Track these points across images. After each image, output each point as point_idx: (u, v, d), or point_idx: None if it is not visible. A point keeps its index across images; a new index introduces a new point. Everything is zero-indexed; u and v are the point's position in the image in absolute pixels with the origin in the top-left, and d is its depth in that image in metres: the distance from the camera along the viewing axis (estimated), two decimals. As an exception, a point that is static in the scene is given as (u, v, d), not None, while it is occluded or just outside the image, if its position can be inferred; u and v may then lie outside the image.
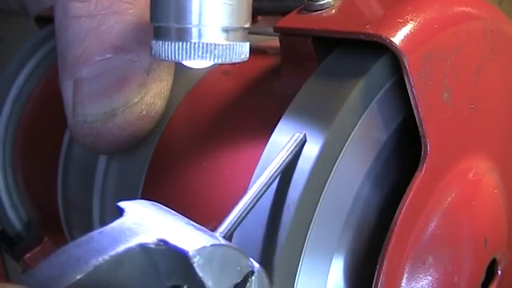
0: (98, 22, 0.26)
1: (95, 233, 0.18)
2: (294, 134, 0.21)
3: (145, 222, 0.18)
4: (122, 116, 0.26)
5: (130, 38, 0.26)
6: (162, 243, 0.17)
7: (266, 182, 0.21)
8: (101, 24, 0.26)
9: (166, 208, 0.20)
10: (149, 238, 0.18)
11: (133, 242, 0.17)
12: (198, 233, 0.18)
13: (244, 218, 0.20)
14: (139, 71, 0.26)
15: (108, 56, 0.26)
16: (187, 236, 0.18)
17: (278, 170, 0.21)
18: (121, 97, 0.26)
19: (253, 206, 0.20)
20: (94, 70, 0.26)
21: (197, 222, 0.19)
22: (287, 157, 0.21)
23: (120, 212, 0.19)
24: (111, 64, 0.26)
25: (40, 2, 0.46)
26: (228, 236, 0.20)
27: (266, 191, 0.21)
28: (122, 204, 0.19)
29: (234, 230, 0.20)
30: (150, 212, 0.19)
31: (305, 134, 0.21)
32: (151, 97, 0.26)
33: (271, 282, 0.21)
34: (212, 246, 0.17)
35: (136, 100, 0.26)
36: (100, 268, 0.16)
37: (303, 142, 0.21)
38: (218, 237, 0.19)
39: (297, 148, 0.21)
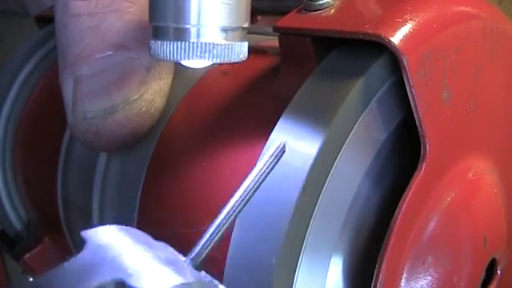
0: (99, 20, 0.26)
1: (52, 272, 0.16)
2: (272, 145, 0.21)
3: (106, 257, 0.17)
4: (121, 113, 0.26)
5: (131, 36, 0.26)
6: (120, 284, 0.16)
7: (243, 198, 0.20)
8: (101, 22, 0.26)
9: (136, 233, 0.19)
10: (108, 276, 0.16)
11: (91, 283, 0.16)
12: (163, 269, 0.17)
13: (218, 239, 0.19)
14: (139, 68, 0.26)
15: (108, 53, 0.26)
16: (150, 274, 0.16)
17: (256, 185, 0.20)
18: (121, 94, 0.26)
19: (228, 226, 0.19)
20: (94, 68, 0.26)
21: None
22: (264, 171, 0.20)
23: (83, 242, 0.18)
24: (111, 61, 0.26)
25: (40, 2, 0.47)
26: (201, 261, 0.19)
27: (242, 208, 0.20)
28: (85, 234, 0.18)
29: (208, 253, 0.19)
30: (114, 243, 0.18)
31: (284, 144, 0.21)
32: (151, 94, 0.27)
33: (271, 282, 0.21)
34: (175, 287, 0.16)
35: (136, 97, 0.26)
36: None
37: (282, 152, 0.21)
38: (186, 268, 0.18)
39: (275, 160, 0.21)
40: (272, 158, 0.20)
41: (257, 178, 0.20)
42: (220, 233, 0.19)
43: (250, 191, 0.20)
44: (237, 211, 0.19)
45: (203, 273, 0.18)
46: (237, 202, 0.20)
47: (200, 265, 0.19)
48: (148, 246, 0.18)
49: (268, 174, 0.20)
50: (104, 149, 0.29)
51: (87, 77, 0.26)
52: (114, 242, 0.18)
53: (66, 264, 0.17)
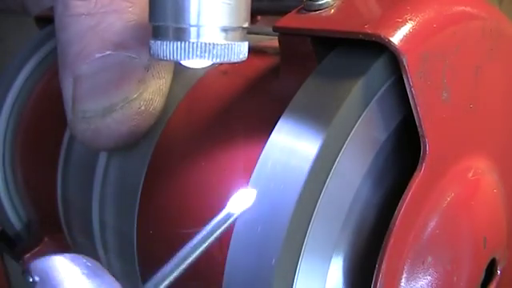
0: (98, 19, 0.26)
1: None
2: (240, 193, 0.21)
3: None
4: (120, 111, 0.26)
5: (130, 36, 0.26)
6: None
7: (196, 245, 0.20)
8: (100, 22, 0.26)
9: (82, 263, 0.19)
10: None
11: None
12: None
13: (173, 278, 0.19)
14: (138, 68, 0.26)
15: (108, 53, 0.26)
16: None
17: (212, 236, 0.20)
18: (120, 92, 0.26)
19: (182, 269, 0.19)
20: (93, 67, 0.26)
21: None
22: (223, 223, 0.20)
23: (28, 275, 0.18)
24: (111, 60, 0.26)
25: (40, 2, 0.47)
26: None
27: (197, 254, 0.20)
28: (31, 266, 0.18)
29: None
30: (57, 279, 0.18)
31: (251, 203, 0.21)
32: (150, 93, 0.27)
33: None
34: None
35: (135, 96, 0.26)
36: None
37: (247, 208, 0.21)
38: None
39: (233, 218, 0.20)
40: (241, 203, 0.20)
41: (215, 228, 0.20)
42: (174, 274, 0.19)
43: (205, 241, 0.20)
44: (192, 258, 0.19)
45: None
46: (190, 250, 0.19)
47: None
48: (91, 278, 0.18)
49: (228, 226, 0.20)
50: (103, 147, 0.29)
51: (87, 76, 0.27)
52: (61, 275, 0.18)
53: None
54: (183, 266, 0.19)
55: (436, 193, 0.24)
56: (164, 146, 0.28)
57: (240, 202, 0.20)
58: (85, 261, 0.19)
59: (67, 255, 0.19)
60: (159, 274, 0.19)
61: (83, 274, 0.18)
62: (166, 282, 0.19)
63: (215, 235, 0.20)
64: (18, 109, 0.40)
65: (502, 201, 0.27)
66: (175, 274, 0.19)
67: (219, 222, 0.20)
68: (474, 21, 0.24)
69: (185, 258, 0.19)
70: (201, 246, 0.20)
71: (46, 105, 0.38)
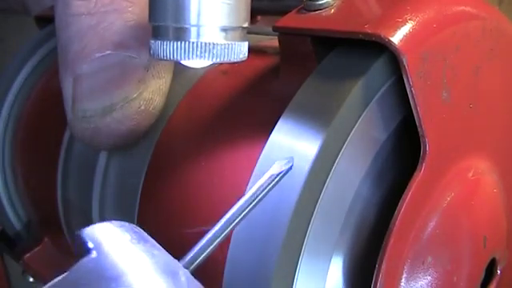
0: (98, 19, 0.26)
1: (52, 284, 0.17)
2: (279, 162, 0.21)
3: (103, 264, 0.17)
4: (120, 111, 0.27)
5: (130, 35, 0.26)
6: None
7: (240, 209, 0.20)
8: (101, 21, 0.26)
9: (131, 230, 0.19)
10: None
11: None
12: (158, 276, 0.17)
13: (214, 246, 0.19)
14: (138, 67, 0.26)
15: (108, 52, 0.26)
16: (144, 280, 0.17)
17: (256, 198, 0.20)
18: (120, 92, 0.26)
19: (222, 239, 0.19)
20: (93, 67, 0.26)
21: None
22: (267, 186, 0.20)
23: (80, 241, 0.18)
24: (111, 60, 0.26)
25: (41, 2, 0.47)
26: (194, 268, 0.19)
27: (239, 221, 0.20)
28: (83, 233, 0.18)
29: (201, 261, 0.19)
30: (111, 245, 0.18)
31: (291, 166, 0.21)
32: (150, 93, 0.27)
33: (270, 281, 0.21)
34: None
35: (134, 95, 0.26)
36: None
37: (288, 170, 0.21)
38: (181, 271, 0.18)
39: (278, 178, 0.20)
40: (278, 174, 0.20)
41: (259, 192, 0.20)
42: (215, 243, 0.19)
43: (250, 204, 0.20)
44: (234, 223, 0.19)
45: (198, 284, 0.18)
46: (234, 214, 0.19)
47: (193, 271, 0.18)
48: (149, 253, 0.18)
49: (271, 188, 0.20)
50: (103, 147, 0.29)
51: (87, 75, 0.27)
52: (114, 241, 0.18)
53: (60, 279, 0.17)
54: (224, 234, 0.19)
55: (436, 193, 0.24)
56: (164, 145, 0.28)
57: (280, 166, 0.20)
58: (133, 227, 0.19)
59: (116, 222, 0.19)
60: (197, 247, 0.19)
61: (133, 239, 0.18)
62: (210, 249, 0.19)
63: (259, 198, 0.20)
64: (17, 108, 0.40)
65: (502, 201, 0.27)
66: (216, 242, 0.19)
67: (262, 185, 0.20)
68: (473, 21, 0.24)
69: (226, 227, 0.19)
70: (244, 210, 0.20)
71: (45, 104, 0.38)
